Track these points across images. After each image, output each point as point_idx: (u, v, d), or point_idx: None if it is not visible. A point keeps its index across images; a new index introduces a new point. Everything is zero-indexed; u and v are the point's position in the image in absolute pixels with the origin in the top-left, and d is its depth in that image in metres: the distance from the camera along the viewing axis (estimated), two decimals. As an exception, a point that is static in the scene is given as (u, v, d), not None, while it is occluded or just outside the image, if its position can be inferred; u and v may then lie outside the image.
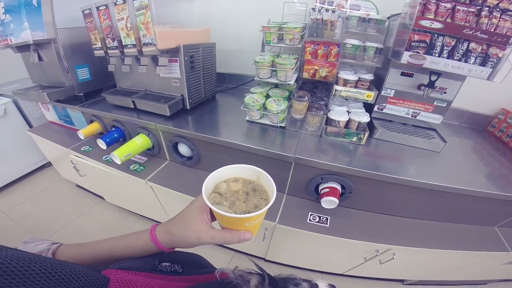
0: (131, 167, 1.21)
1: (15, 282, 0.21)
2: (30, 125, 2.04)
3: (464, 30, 0.81)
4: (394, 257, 0.95)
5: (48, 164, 2.26)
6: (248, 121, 1.11)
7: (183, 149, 1.13)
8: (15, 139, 1.95)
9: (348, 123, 1.01)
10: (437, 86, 1.00)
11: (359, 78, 1.03)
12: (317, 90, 1.21)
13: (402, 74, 1.04)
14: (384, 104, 1.11)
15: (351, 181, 0.93)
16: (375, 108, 1.12)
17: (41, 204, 1.88)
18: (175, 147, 1.16)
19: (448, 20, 0.83)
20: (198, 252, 0.54)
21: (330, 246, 0.99)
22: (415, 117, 1.10)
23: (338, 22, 1.06)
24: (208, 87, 1.31)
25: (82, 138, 1.28)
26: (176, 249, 0.44)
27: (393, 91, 1.07)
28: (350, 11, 1.11)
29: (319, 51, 1.05)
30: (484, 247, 0.95)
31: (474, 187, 0.84)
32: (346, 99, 1.11)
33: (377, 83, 1.11)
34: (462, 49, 0.84)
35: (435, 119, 1.09)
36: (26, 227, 1.67)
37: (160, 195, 1.22)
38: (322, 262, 1.24)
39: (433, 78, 0.96)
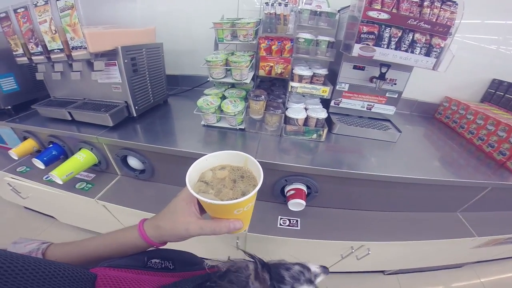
0: (77, 186, 1.08)
1: (3, 281, 0.22)
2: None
3: (409, 21, 0.83)
4: (369, 252, 0.97)
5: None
6: (204, 125, 1.05)
7: (134, 162, 1.03)
8: None
9: (306, 120, 1.00)
10: (387, 78, 1.03)
11: (314, 73, 1.02)
12: (275, 87, 1.18)
13: (355, 67, 1.06)
14: (340, 99, 1.12)
15: (315, 180, 0.92)
16: (332, 103, 1.13)
17: None
18: (124, 160, 1.05)
19: (394, 10, 0.85)
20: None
21: (305, 247, 0.98)
22: (370, 109, 1.14)
23: (291, 16, 1.03)
24: (157, 91, 1.21)
25: (16, 158, 1.11)
26: (168, 244, 0.43)
27: (347, 85, 1.09)
28: (302, 5, 1.09)
29: (273, 47, 1.02)
30: (451, 234, 1.00)
31: (433, 176, 0.88)
32: (304, 96, 1.10)
33: (332, 78, 1.11)
34: (408, 40, 0.87)
35: (389, 110, 1.14)
36: None
37: (116, 213, 1.11)
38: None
39: (384, 70, 0.98)
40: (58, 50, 0.90)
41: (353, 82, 1.08)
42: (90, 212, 1.17)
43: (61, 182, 0.91)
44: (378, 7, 0.84)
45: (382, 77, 1.00)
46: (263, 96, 0.96)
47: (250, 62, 0.99)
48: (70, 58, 0.90)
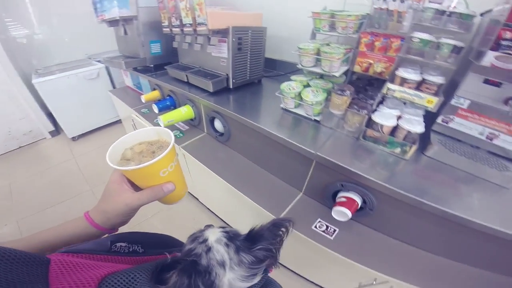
0: (173, 132, 1.38)
1: None
2: (114, 87, 2.55)
3: None
4: None
5: (119, 121, 2.77)
6: (282, 108, 1.12)
7: (218, 124, 1.23)
8: (101, 97, 2.49)
9: (394, 130, 0.90)
10: None
11: (424, 79, 0.88)
12: (371, 88, 1.10)
13: (486, 82, 0.84)
14: (451, 116, 0.92)
15: (375, 196, 0.83)
16: (439, 120, 0.95)
17: (104, 155, 2.35)
18: (211, 121, 1.27)
19: None
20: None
21: (327, 259, 0.93)
22: (491, 139, 0.88)
23: (408, 13, 0.93)
24: (254, 70, 1.36)
25: (143, 101, 1.53)
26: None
27: (467, 102, 0.88)
28: (426, 3, 0.95)
29: (376, 43, 0.96)
30: None
31: None
32: (404, 103, 0.97)
33: (449, 90, 0.92)
34: None
35: None
36: (85, 175, 2.11)
37: (190, 164, 1.36)
38: (314, 272, 1.18)
39: None
40: (189, 25, 1.16)
41: (478, 100, 0.86)
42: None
43: (163, 125, 1.20)
44: None
45: None
46: (348, 92, 0.93)
47: (343, 55, 0.97)
48: (195, 32, 1.15)
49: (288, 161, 1.03)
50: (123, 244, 0.43)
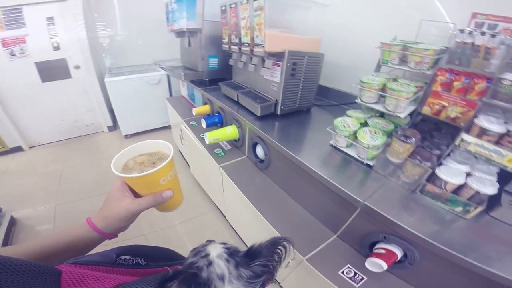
0: (215, 150, 1.48)
1: None
2: (171, 95, 2.85)
3: None
4: None
5: (169, 127, 3.06)
6: (331, 145, 1.09)
7: (259, 150, 1.26)
8: (158, 102, 2.81)
9: (459, 188, 0.80)
10: None
11: (509, 131, 0.77)
12: (438, 133, 1.00)
13: None
14: (536, 178, 0.79)
15: (419, 252, 0.77)
16: (518, 179, 0.82)
17: None
18: (254, 146, 1.31)
19: None
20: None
21: None
22: None
23: (499, 50, 0.84)
24: (305, 98, 1.36)
25: (194, 114, 1.67)
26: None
27: None
28: None
29: (455, 83, 0.88)
30: None
31: None
32: (476, 158, 0.87)
33: None
34: None
35: None
36: None
37: (226, 184, 1.42)
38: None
39: None
40: (247, 44, 1.23)
41: None
42: (213, 175, 1.55)
43: (208, 143, 1.29)
44: None
45: None
46: (413, 139, 0.86)
47: (414, 94, 0.91)
48: (251, 53, 1.22)
49: (328, 203, 1.00)
50: (127, 257, 0.47)
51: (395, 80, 1.02)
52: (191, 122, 1.79)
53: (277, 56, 1.19)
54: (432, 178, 0.84)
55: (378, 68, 1.10)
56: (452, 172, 0.81)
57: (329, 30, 1.46)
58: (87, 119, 2.97)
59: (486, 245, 0.72)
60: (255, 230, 1.27)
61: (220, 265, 0.40)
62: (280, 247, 0.46)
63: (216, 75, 1.81)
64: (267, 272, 0.43)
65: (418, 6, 1.18)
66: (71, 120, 2.87)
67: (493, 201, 0.82)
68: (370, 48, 1.06)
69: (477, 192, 0.77)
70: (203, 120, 1.47)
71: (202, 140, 1.56)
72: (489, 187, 0.76)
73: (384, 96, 0.98)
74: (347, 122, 1.02)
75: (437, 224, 0.78)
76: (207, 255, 0.42)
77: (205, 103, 1.74)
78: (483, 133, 0.80)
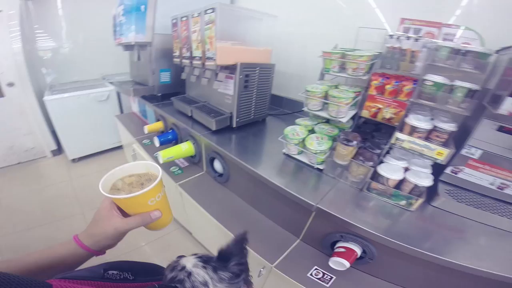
0: (171, 169, 1.45)
1: None
2: (122, 112, 2.70)
3: None
4: None
5: (121, 147, 2.89)
6: (284, 154, 1.14)
7: (217, 165, 1.27)
8: (107, 121, 2.63)
9: (400, 182, 0.90)
10: None
11: (435, 127, 0.88)
12: (378, 134, 1.11)
13: (501, 129, 0.84)
14: (461, 167, 0.92)
15: (376, 247, 0.84)
16: (448, 170, 0.94)
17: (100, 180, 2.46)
18: (211, 161, 1.31)
19: None
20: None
21: None
22: (502, 189, 0.87)
23: (422, 52, 0.96)
24: (260, 109, 1.41)
25: (146, 132, 1.61)
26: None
27: (479, 152, 0.88)
28: (440, 41, 0.98)
29: (387, 86, 0.98)
30: None
31: None
32: (412, 153, 0.98)
33: (461, 138, 0.92)
34: None
35: None
36: (79, 198, 2.17)
37: (186, 202, 1.39)
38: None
39: None
40: (198, 58, 1.24)
41: (490, 150, 0.86)
42: (171, 194, 1.50)
43: (161, 162, 1.26)
44: None
45: None
46: (355, 142, 0.95)
47: (353, 99, 0.99)
48: (203, 66, 1.22)
49: (287, 209, 1.04)
50: (115, 272, 0.48)
51: (336, 87, 1.11)
52: (143, 141, 1.73)
53: (230, 69, 1.22)
54: (376, 176, 0.92)
55: (322, 76, 1.18)
56: (392, 169, 0.91)
57: (280, 40, 1.53)
58: (26, 144, 2.66)
59: (433, 234, 0.81)
60: (223, 243, 1.26)
61: (200, 273, 0.42)
62: (244, 242, 0.50)
63: (169, 89, 1.77)
64: (245, 270, 0.46)
65: (358, 14, 1.30)
66: (6, 146, 2.54)
67: (432, 192, 0.94)
68: (316, 57, 1.13)
69: (416, 185, 0.87)
70: (156, 138, 1.43)
71: (156, 159, 1.51)
72: (425, 180, 0.87)
73: (327, 103, 1.05)
74: (296, 130, 1.08)
75: (386, 219, 0.86)
76: (183, 267, 0.43)
77: (158, 120, 1.69)
78: (413, 130, 0.90)
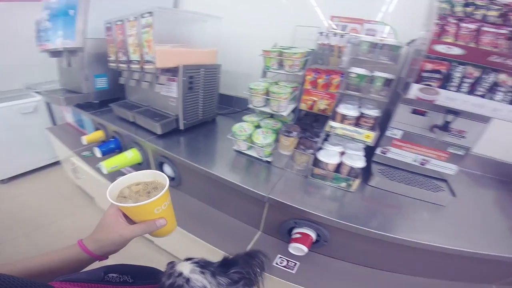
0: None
1: None
2: (55, 123, 2.43)
3: (492, 57, 0.72)
4: None
5: (59, 162, 2.61)
6: (235, 150, 1.18)
7: (167, 169, 1.24)
8: (38, 135, 2.34)
9: (339, 166, 1.00)
10: (453, 129, 0.94)
11: (362, 114, 1.01)
12: (316, 124, 1.22)
13: (414, 112, 0.99)
14: (388, 147, 1.07)
15: (327, 230, 0.92)
16: (378, 151, 1.09)
17: (40, 198, 2.16)
18: (160, 166, 1.27)
19: (472, 44, 0.76)
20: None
21: None
22: (424, 165, 1.05)
23: (347, 48, 1.08)
24: (208, 109, 1.42)
25: (85, 143, 1.49)
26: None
27: (400, 132, 1.04)
28: (363, 36, 1.10)
29: (319, 80, 1.08)
30: None
31: (471, 248, 0.80)
32: (347, 139, 1.10)
33: (386, 122, 1.08)
34: (487, 82, 0.75)
35: (448, 169, 1.02)
36: (18, 219, 1.92)
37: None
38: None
39: (449, 118, 0.90)
40: (136, 62, 1.19)
41: (408, 130, 1.02)
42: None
43: (105, 172, 1.19)
44: (450, 40, 0.77)
45: (445, 127, 0.91)
46: (294, 133, 1.03)
47: (290, 94, 1.07)
48: (142, 70, 1.19)
49: (243, 203, 1.08)
50: (115, 275, 0.49)
51: (276, 83, 1.18)
52: (83, 153, 1.59)
53: (172, 71, 1.20)
54: (317, 162, 1.02)
55: (264, 74, 1.24)
56: (329, 154, 1.01)
57: (227, 41, 1.54)
58: None
59: (376, 213, 0.92)
60: (187, 246, 1.24)
61: (198, 279, 0.43)
62: (256, 259, 0.50)
63: (107, 95, 1.66)
64: (244, 278, 0.46)
65: (300, 13, 1.38)
66: None
67: (368, 173, 1.07)
68: (258, 55, 1.19)
69: (351, 167, 0.98)
70: (97, 148, 1.34)
71: (99, 170, 1.42)
72: (358, 161, 0.98)
73: (269, 99, 1.12)
74: (244, 127, 1.13)
75: (331, 201, 0.95)
76: (180, 274, 0.43)
77: (97, 129, 1.57)
78: (344, 118, 1.02)
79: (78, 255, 0.48)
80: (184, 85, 1.21)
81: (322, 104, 1.10)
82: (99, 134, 1.51)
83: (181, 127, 1.30)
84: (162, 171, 1.28)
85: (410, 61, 0.97)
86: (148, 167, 1.36)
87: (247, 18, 1.59)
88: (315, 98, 1.10)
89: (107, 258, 0.53)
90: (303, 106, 1.14)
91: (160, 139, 1.24)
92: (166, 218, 0.53)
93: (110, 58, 1.37)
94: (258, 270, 0.50)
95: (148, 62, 1.14)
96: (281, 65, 1.17)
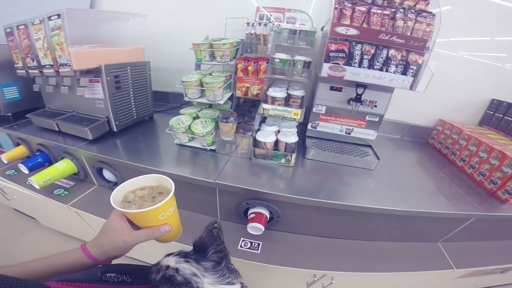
0: (55, 192, 1.26)
1: None
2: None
3: (380, 36, 0.87)
4: (332, 281, 1.02)
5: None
6: (177, 144, 1.19)
7: (108, 174, 1.19)
8: None
9: (276, 144, 1.10)
10: (365, 100, 1.10)
11: (289, 95, 1.11)
12: (254, 109, 1.30)
13: (332, 88, 1.14)
14: (317, 122, 1.21)
15: (277, 205, 1.00)
16: (309, 126, 1.22)
17: None
18: (99, 172, 1.21)
19: (365, 25, 0.89)
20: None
21: (265, 273, 1.05)
22: (349, 133, 1.21)
23: (271, 36, 1.16)
24: (141, 107, 1.39)
25: (5, 162, 1.33)
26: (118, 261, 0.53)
27: (324, 107, 1.18)
28: (283, 24, 1.20)
29: (249, 68, 1.15)
30: (428, 265, 1.03)
31: (404, 207, 0.92)
32: (281, 119, 1.20)
33: (311, 100, 1.21)
34: (382, 57, 0.91)
35: (370, 134, 1.20)
36: None
37: (89, 220, 1.27)
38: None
39: (360, 91, 1.05)
40: (49, 66, 1.10)
41: (330, 104, 1.16)
42: (66, 217, 1.34)
43: (38, 187, 1.10)
44: (347, 22, 0.90)
45: (358, 99, 1.07)
46: (231, 118, 1.08)
47: (224, 83, 1.12)
48: (58, 74, 1.10)
49: (196, 194, 1.11)
50: (113, 275, 0.48)
51: (210, 74, 1.21)
52: (6, 172, 1.41)
53: (94, 72, 1.13)
54: (256, 142, 1.10)
55: (197, 67, 1.26)
56: (266, 134, 1.09)
57: (154, 38, 1.50)
58: None
59: (317, 183, 1.01)
60: (152, 249, 1.22)
61: (186, 267, 0.44)
62: (215, 230, 0.54)
63: (20, 106, 1.47)
64: (224, 256, 0.49)
65: (234, 4, 1.41)
66: None
67: (304, 147, 1.18)
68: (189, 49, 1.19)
69: (286, 143, 1.08)
70: (22, 165, 1.20)
71: (32, 186, 1.29)
72: (291, 137, 1.08)
73: (203, 90, 1.14)
74: (181, 119, 1.14)
75: (275, 178, 1.03)
76: (167, 266, 0.45)
77: (18, 144, 1.40)
78: (274, 100, 1.10)
79: (80, 259, 0.49)
80: (109, 85, 1.16)
81: (254, 90, 1.17)
82: (21, 150, 1.35)
83: (115, 129, 1.24)
84: (103, 177, 1.23)
85: (322, 44, 1.09)
86: (86, 175, 1.28)
87: (177, 14, 1.56)
88: (247, 85, 1.17)
89: (110, 262, 0.53)
90: (239, 93, 1.19)
91: (93, 145, 1.17)
92: (171, 223, 0.53)
93: (17, 65, 1.22)
94: (221, 234, 0.55)
95: (63, 65, 1.06)
96: (213, 56, 1.20)
